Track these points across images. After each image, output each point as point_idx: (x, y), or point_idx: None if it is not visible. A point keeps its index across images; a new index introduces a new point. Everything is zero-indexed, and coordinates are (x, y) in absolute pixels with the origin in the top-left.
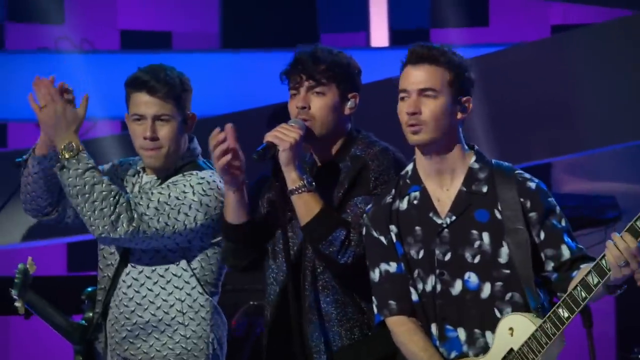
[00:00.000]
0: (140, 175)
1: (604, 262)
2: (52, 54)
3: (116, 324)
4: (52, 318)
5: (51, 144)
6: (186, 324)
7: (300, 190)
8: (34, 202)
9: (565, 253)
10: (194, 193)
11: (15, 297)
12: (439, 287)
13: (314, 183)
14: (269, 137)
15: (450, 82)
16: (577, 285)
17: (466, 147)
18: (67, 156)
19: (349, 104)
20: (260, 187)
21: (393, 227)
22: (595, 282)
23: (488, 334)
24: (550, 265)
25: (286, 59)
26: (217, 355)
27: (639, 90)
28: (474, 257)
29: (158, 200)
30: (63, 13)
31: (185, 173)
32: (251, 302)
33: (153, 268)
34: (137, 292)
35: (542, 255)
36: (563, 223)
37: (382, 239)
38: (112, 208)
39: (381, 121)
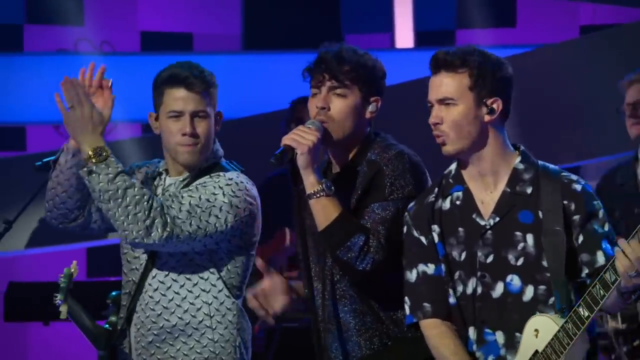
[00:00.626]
0: (163, 177)
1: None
2: (71, 55)
3: (142, 328)
4: (83, 322)
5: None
6: (214, 327)
7: (318, 195)
8: (63, 205)
9: (600, 260)
10: (224, 194)
11: (59, 302)
12: (479, 290)
13: (332, 187)
14: (286, 140)
15: (470, 86)
16: (595, 283)
17: (511, 147)
18: (95, 160)
19: (371, 107)
20: (270, 191)
21: (436, 227)
22: (613, 279)
23: None
24: (584, 272)
25: (309, 61)
26: (243, 359)
27: None
28: (517, 259)
29: (189, 204)
30: (83, 14)
31: (212, 175)
32: None
33: (180, 271)
34: (164, 295)
35: (579, 259)
36: (605, 228)
37: (423, 239)
38: (146, 213)
39: (405, 123)
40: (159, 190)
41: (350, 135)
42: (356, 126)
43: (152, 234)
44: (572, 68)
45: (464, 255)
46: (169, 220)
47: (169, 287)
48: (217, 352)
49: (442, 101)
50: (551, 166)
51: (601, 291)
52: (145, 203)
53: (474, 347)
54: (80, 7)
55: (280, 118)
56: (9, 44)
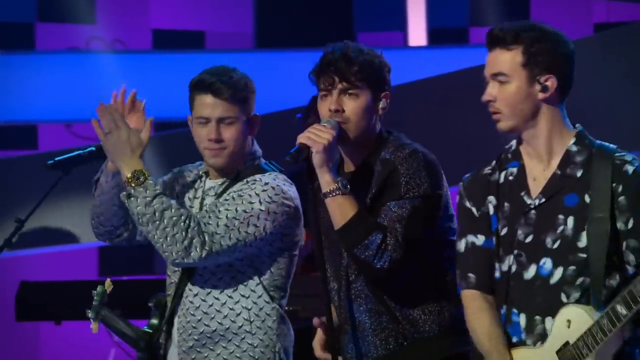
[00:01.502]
0: (203, 179)
1: None
2: (83, 54)
3: (184, 333)
4: (121, 329)
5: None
6: (253, 332)
7: (334, 193)
8: (109, 222)
9: None
10: (260, 202)
11: (91, 319)
12: (514, 268)
13: (348, 186)
14: (302, 138)
15: (522, 63)
16: (636, 281)
17: (569, 126)
18: (133, 184)
19: (381, 104)
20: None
21: (492, 199)
22: None
23: (548, 320)
24: (630, 257)
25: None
26: None
27: None
28: (554, 242)
29: (227, 217)
30: (94, 13)
31: (248, 180)
32: (287, 308)
33: (219, 277)
34: (204, 301)
35: (624, 244)
36: None
37: (474, 209)
38: (183, 233)
39: (419, 121)
40: (199, 193)
41: (365, 133)
42: (370, 123)
43: (192, 254)
44: (586, 65)
45: (505, 230)
46: (207, 238)
47: (209, 293)
48: (256, 357)
49: (495, 77)
50: (608, 146)
51: None
52: (182, 224)
53: (505, 325)
54: (92, 5)
55: (292, 116)
56: (21, 43)
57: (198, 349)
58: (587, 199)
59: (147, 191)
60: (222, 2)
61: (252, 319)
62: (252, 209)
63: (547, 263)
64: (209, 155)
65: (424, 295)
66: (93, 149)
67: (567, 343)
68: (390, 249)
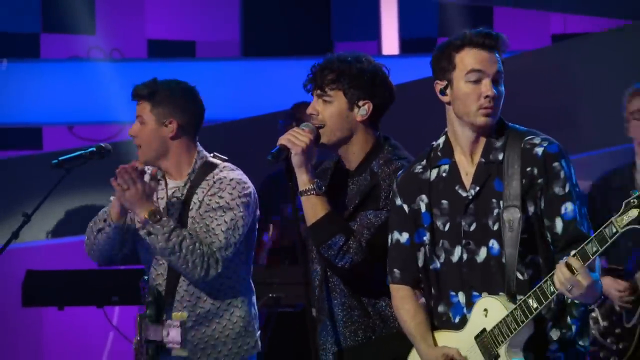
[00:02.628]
0: (162, 183)
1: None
2: (84, 62)
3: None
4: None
5: (124, 213)
6: (239, 306)
7: (309, 193)
8: (108, 257)
9: (558, 226)
10: (238, 205)
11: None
12: (465, 256)
13: (323, 187)
14: (282, 140)
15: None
16: (547, 279)
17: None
18: (152, 222)
19: (360, 111)
20: (269, 188)
21: (424, 197)
22: (552, 291)
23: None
24: (548, 236)
25: (302, 66)
26: (256, 329)
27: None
28: (494, 224)
29: (222, 231)
30: (94, 24)
31: (215, 181)
32: (270, 295)
33: None
34: (196, 287)
35: (545, 224)
36: (566, 190)
37: (405, 207)
38: (201, 259)
39: (391, 122)
40: (162, 194)
41: (343, 137)
42: (347, 129)
43: (210, 272)
44: (544, 74)
45: (447, 225)
46: (218, 256)
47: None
48: (242, 325)
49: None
50: (519, 129)
51: (551, 288)
52: (199, 250)
53: (464, 310)
54: (92, 17)
55: (275, 119)
56: (27, 52)
57: (196, 328)
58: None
59: (164, 228)
60: (211, 14)
61: (236, 296)
62: (235, 214)
63: (494, 244)
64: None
65: None
66: (94, 149)
67: (484, 330)
68: (352, 252)
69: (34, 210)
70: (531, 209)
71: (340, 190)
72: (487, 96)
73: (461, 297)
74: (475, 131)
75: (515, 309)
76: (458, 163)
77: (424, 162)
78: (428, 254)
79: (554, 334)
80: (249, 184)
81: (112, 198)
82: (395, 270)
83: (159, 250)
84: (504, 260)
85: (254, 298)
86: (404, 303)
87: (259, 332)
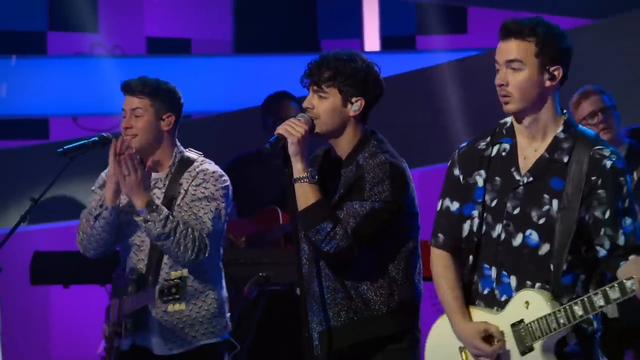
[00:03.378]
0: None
1: (629, 283)
2: (87, 58)
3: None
4: None
5: (117, 195)
6: (214, 289)
7: (302, 180)
8: (104, 246)
9: (621, 239)
10: (222, 196)
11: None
12: (503, 236)
13: (316, 176)
14: (280, 130)
15: (536, 53)
16: (598, 292)
17: (559, 112)
18: (148, 211)
19: (353, 107)
20: (238, 168)
21: (482, 172)
22: (615, 297)
23: (538, 285)
24: (606, 245)
25: (290, 62)
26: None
27: None
28: (539, 218)
29: (209, 219)
30: (97, 23)
31: (198, 172)
32: (260, 274)
33: None
34: (175, 270)
35: (602, 231)
36: (626, 204)
37: (461, 177)
38: (192, 243)
39: (372, 115)
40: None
41: (335, 130)
42: (340, 123)
43: (200, 256)
44: None
45: (495, 202)
46: (206, 241)
47: (175, 266)
48: (215, 306)
49: (510, 63)
50: (588, 134)
51: (601, 301)
52: (191, 235)
53: (494, 285)
54: (95, 16)
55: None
56: (34, 49)
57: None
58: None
59: (160, 215)
60: (206, 14)
61: (211, 280)
62: (218, 204)
63: (532, 235)
64: None
65: (378, 280)
66: (96, 139)
67: (522, 320)
68: (338, 238)
69: (41, 195)
70: (584, 214)
71: (329, 179)
72: (500, 85)
73: (493, 272)
74: (516, 119)
75: (559, 310)
76: (518, 145)
77: (489, 138)
78: (475, 225)
79: (577, 332)
80: (226, 176)
81: (93, 189)
82: (439, 234)
83: (155, 236)
84: (540, 252)
85: (224, 282)
86: (447, 272)
87: (228, 314)
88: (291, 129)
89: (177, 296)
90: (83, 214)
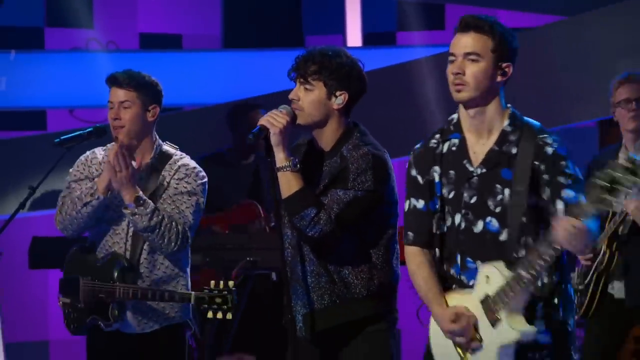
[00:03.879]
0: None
1: (554, 239)
2: (83, 53)
3: (147, 280)
4: None
5: (109, 187)
6: (184, 276)
7: (285, 169)
8: (84, 228)
9: (559, 207)
10: (202, 190)
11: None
12: (463, 225)
13: (298, 164)
14: (262, 121)
15: (492, 48)
16: (534, 252)
17: (504, 106)
18: (135, 205)
19: (337, 100)
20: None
21: (437, 168)
22: (548, 254)
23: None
24: (548, 218)
25: (276, 57)
26: None
27: (562, 90)
28: (495, 206)
29: (190, 213)
30: (92, 19)
31: (180, 166)
32: (248, 258)
33: None
34: (152, 257)
35: (547, 211)
36: (569, 181)
37: (419, 177)
38: (176, 236)
39: (355, 110)
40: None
41: (319, 122)
42: (323, 115)
43: (181, 247)
44: None
45: (452, 194)
46: (188, 234)
47: (154, 250)
48: (184, 292)
49: (468, 55)
50: (535, 125)
51: (540, 261)
52: (174, 228)
53: (460, 271)
54: (90, 13)
55: (252, 103)
56: (33, 44)
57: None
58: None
59: (147, 209)
60: (196, 11)
61: (181, 267)
62: (198, 199)
63: (493, 221)
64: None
65: (358, 265)
66: (91, 130)
67: (487, 295)
68: (322, 223)
69: (39, 183)
70: (535, 200)
71: (312, 168)
72: (456, 73)
73: (458, 259)
74: (465, 108)
75: (512, 278)
76: (467, 139)
77: (438, 136)
78: (438, 218)
79: (540, 312)
80: (204, 172)
81: (68, 179)
82: (409, 233)
83: (141, 229)
84: (501, 238)
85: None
86: (420, 268)
87: None
88: (273, 120)
89: (224, 307)
90: (68, 198)
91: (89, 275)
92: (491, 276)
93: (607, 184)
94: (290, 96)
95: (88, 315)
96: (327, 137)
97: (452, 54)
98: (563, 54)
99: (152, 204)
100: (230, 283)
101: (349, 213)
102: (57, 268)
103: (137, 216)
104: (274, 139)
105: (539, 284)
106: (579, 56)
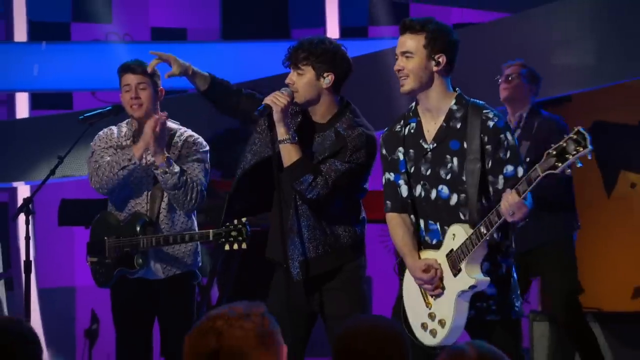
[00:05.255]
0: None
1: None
2: (103, 44)
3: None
4: None
5: (144, 154)
6: (195, 237)
7: (286, 141)
8: (115, 188)
9: (500, 183)
10: (208, 158)
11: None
12: (423, 194)
13: (296, 137)
14: (267, 100)
15: (424, 45)
16: (493, 211)
17: (451, 90)
18: (166, 165)
19: (325, 80)
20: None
21: (401, 149)
22: (496, 220)
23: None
24: (491, 188)
25: (266, 47)
26: None
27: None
28: (446, 174)
29: (203, 176)
30: (111, 15)
31: (188, 139)
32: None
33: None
34: (171, 214)
35: (488, 178)
36: (507, 155)
37: (387, 156)
38: (197, 194)
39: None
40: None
41: (312, 99)
42: (315, 93)
43: (199, 204)
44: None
45: (413, 168)
46: (204, 194)
47: (173, 208)
48: (194, 246)
49: (404, 54)
50: (479, 103)
51: (495, 218)
52: (196, 188)
53: (424, 232)
54: (109, 10)
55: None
56: (61, 36)
57: (170, 246)
58: (465, 145)
59: (175, 169)
60: (199, 8)
61: (194, 222)
62: (206, 165)
63: (444, 189)
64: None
65: (345, 220)
66: (110, 108)
67: (452, 250)
68: (319, 187)
69: (66, 153)
70: (481, 166)
71: (306, 136)
72: (398, 70)
73: (422, 223)
74: (416, 96)
75: (472, 234)
76: (422, 122)
77: (402, 121)
78: (404, 190)
79: (486, 267)
80: (205, 141)
81: (92, 150)
82: (387, 202)
83: (171, 186)
84: (451, 202)
85: None
86: (397, 230)
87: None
88: (276, 100)
89: (239, 238)
90: (100, 164)
91: (113, 234)
92: (457, 234)
93: (557, 153)
94: (287, 81)
95: (115, 267)
96: (321, 112)
97: (395, 54)
98: (507, 46)
99: (177, 166)
100: (243, 219)
101: (343, 181)
102: (82, 225)
103: (167, 175)
104: (276, 116)
105: (494, 242)
106: (520, 48)
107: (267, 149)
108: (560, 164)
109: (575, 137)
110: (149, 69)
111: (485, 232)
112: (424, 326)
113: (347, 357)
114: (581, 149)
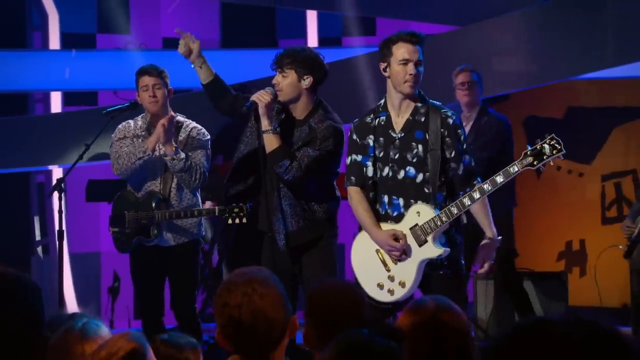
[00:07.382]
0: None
1: (476, 194)
2: (123, 51)
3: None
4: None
5: (156, 146)
6: (200, 204)
7: (268, 132)
8: (133, 174)
9: (460, 168)
10: (209, 146)
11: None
12: (390, 174)
13: (278, 129)
14: (253, 97)
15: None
16: (466, 195)
17: (417, 93)
18: (175, 153)
19: (305, 82)
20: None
21: (371, 136)
22: (475, 197)
23: (419, 202)
24: (451, 173)
25: (259, 55)
26: None
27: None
28: (412, 158)
29: (204, 161)
30: (129, 27)
31: (191, 128)
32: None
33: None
34: (179, 191)
35: (449, 165)
36: (464, 146)
37: (358, 140)
38: (201, 176)
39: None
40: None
41: (293, 98)
42: (296, 93)
43: (202, 184)
44: None
45: (382, 153)
46: (206, 175)
47: (180, 189)
48: (200, 220)
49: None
50: (436, 104)
51: (467, 201)
52: (199, 171)
53: (386, 206)
54: (128, 23)
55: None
56: (87, 45)
57: (180, 219)
58: (427, 136)
59: (182, 156)
60: (202, 21)
61: (198, 199)
62: (206, 151)
63: (411, 169)
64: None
65: (321, 199)
66: (129, 104)
67: (416, 224)
68: (294, 170)
69: (92, 141)
70: (441, 153)
71: (287, 130)
72: (410, 74)
73: (385, 199)
74: (403, 96)
75: (442, 213)
76: (391, 116)
77: (372, 114)
78: (370, 171)
79: (444, 238)
80: (207, 132)
81: (113, 139)
82: (352, 177)
83: (178, 169)
84: (417, 180)
85: None
86: (361, 201)
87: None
88: (261, 97)
89: (241, 214)
90: (119, 154)
91: (132, 209)
92: (422, 212)
93: (535, 153)
94: (273, 82)
95: (134, 236)
96: (299, 109)
97: (407, 60)
98: (455, 54)
99: (184, 153)
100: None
101: (314, 165)
102: (105, 201)
103: (175, 161)
104: (261, 110)
105: (459, 220)
106: (466, 56)
107: (257, 141)
108: (537, 162)
109: (550, 141)
110: (179, 32)
111: (456, 212)
112: (379, 285)
113: (315, 311)
114: (555, 152)
